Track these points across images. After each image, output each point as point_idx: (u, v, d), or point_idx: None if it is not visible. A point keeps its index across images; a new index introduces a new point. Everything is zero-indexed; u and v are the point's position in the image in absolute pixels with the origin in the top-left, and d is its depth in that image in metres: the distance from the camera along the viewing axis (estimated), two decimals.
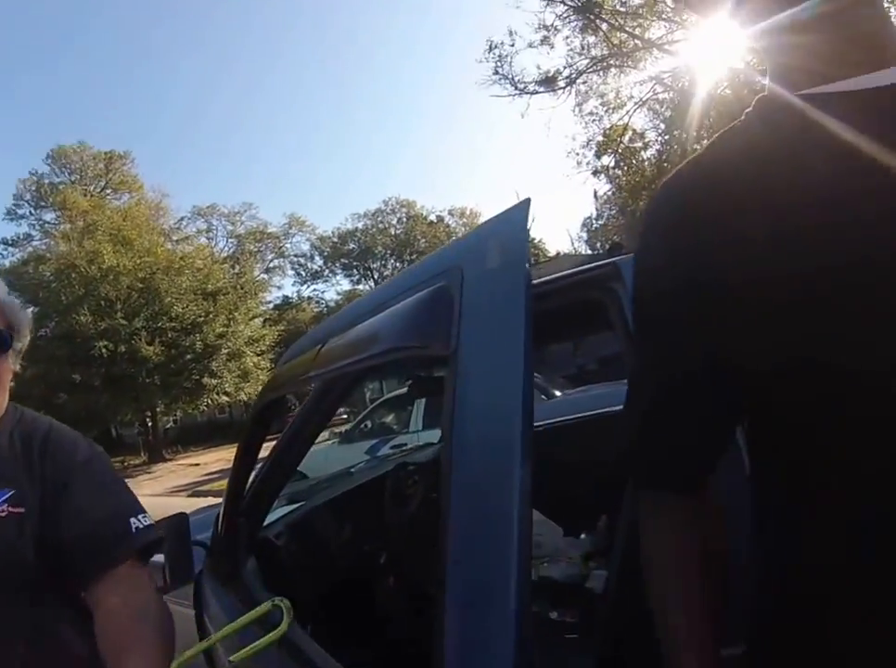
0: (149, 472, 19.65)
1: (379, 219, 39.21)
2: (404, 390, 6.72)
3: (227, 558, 1.63)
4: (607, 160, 16.73)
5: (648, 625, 0.64)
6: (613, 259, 1.11)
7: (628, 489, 0.71)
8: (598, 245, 22.58)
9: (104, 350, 20.24)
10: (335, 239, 38.77)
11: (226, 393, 23.99)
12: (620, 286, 1.04)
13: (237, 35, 59.16)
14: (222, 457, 17.60)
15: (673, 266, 0.58)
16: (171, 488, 13.88)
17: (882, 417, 0.50)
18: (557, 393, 5.64)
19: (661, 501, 0.64)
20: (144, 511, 1.01)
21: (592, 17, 14.62)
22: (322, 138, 62.05)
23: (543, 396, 5.37)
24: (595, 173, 16.89)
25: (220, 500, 1.84)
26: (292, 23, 59.48)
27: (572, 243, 27.95)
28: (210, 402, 24.69)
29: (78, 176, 31.61)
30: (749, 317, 0.54)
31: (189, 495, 11.45)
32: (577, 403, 4.61)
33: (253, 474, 1.68)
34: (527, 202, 0.83)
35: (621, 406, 0.67)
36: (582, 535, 2.25)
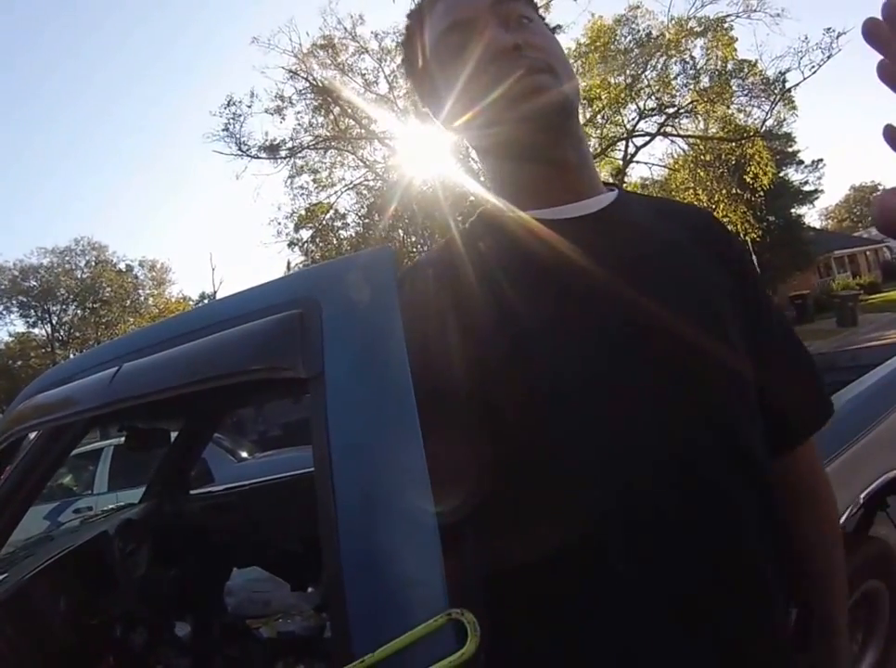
0: None
1: (67, 258, 34.03)
2: (86, 448, 5.71)
3: None
4: (305, 233, 16.91)
5: None
6: None
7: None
8: None
9: None
10: (16, 272, 32.48)
11: None
12: None
13: None
14: None
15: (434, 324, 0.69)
16: None
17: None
18: (244, 455, 5.66)
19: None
20: None
21: (329, 99, 15.46)
22: (33, 158, 52.78)
23: (231, 458, 5.35)
24: (291, 244, 16.91)
25: None
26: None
27: None
28: None
29: None
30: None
31: None
32: (273, 464, 4.62)
33: None
34: (389, 249, 0.92)
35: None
36: (310, 589, 2.24)
